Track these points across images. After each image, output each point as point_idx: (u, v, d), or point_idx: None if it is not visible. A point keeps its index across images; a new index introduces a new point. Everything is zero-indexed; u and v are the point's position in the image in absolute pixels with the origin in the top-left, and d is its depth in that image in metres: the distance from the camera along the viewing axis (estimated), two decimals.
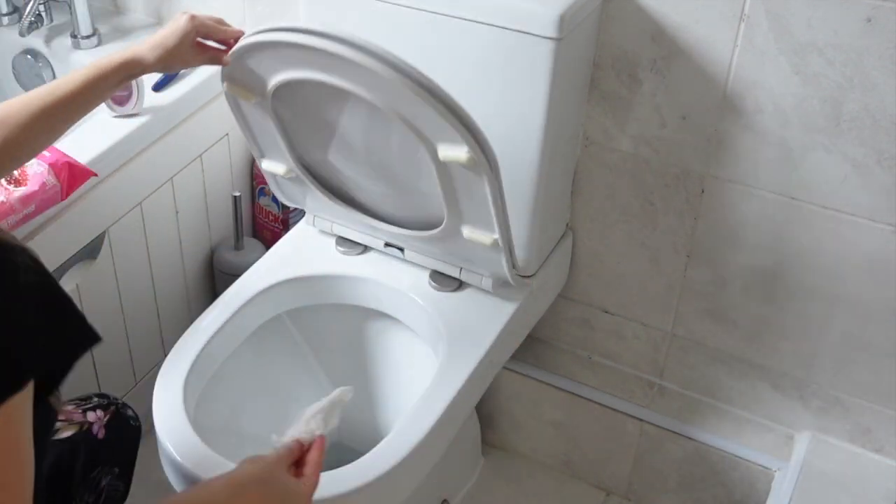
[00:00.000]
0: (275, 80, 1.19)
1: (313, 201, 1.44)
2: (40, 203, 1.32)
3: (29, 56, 1.68)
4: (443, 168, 1.18)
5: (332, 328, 1.48)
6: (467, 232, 1.28)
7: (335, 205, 1.40)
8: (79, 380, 1.52)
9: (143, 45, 1.15)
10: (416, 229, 1.36)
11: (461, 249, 1.34)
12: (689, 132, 1.34)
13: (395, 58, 1.07)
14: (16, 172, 1.30)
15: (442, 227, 1.30)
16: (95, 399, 1.16)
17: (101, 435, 1.13)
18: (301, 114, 1.26)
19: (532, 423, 1.71)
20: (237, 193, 1.68)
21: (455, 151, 1.14)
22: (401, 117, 1.13)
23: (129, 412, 1.19)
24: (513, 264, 1.32)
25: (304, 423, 1.02)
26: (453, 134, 1.11)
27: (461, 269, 1.39)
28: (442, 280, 1.41)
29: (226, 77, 1.23)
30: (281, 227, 1.76)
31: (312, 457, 0.98)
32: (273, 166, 1.38)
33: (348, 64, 1.08)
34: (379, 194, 1.36)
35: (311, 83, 1.17)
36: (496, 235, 1.26)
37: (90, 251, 1.45)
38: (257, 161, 1.40)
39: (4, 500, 0.71)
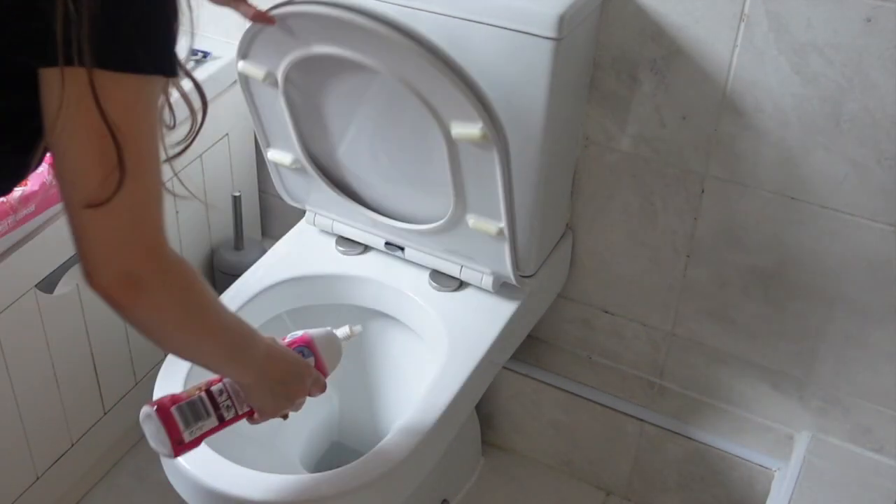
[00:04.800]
0: (289, 58, 1.21)
1: (316, 195, 1.44)
2: (40, 203, 1.32)
3: None
4: (454, 149, 1.20)
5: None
6: (472, 221, 1.29)
7: (338, 198, 1.40)
8: (78, 379, 1.52)
9: None
10: (420, 223, 1.36)
11: (464, 244, 1.34)
12: (689, 132, 1.34)
13: (413, 28, 1.09)
14: None
15: (447, 217, 1.30)
16: None
17: None
18: (312, 97, 1.28)
19: (532, 423, 1.71)
20: (237, 193, 1.68)
21: (468, 129, 1.16)
22: (416, 93, 1.15)
23: None
24: (516, 260, 1.32)
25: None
26: (467, 110, 1.13)
27: (462, 267, 1.39)
28: (442, 280, 1.41)
29: (240, 55, 1.25)
30: None
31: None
32: (279, 156, 1.39)
33: (366, 34, 1.10)
34: (384, 186, 1.37)
35: (326, 61, 1.18)
36: (502, 224, 1.27)
37: None
38: (263, 151, 1.41)
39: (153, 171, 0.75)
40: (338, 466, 1.17)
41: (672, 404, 1.59)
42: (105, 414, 1.60)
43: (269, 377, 1.01)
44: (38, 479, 1.50)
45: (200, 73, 1.58)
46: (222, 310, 0.92)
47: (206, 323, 0.89)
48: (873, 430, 1.45)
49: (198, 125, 0.85)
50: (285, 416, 1.08)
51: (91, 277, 0.78)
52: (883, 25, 1.15)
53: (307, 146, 1.36)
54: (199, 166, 1.62)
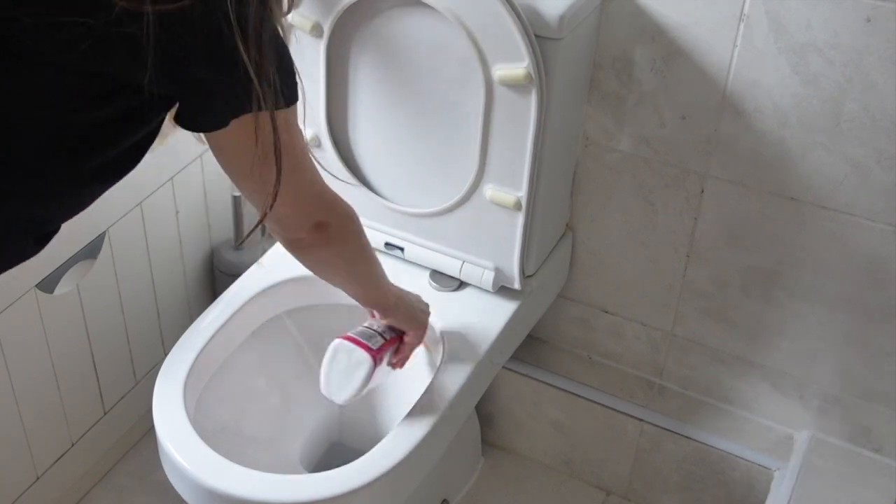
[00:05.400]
0: (341, 4, 1.25)
1: (325, 180, 1.44)
2: None
3: None
4: (490, 99, 1.23)
5: (332, 328, 1.48)
6: (491, 192, 1.30)
7: (348, 182, 1.40)
8: (78, 378, 1.52)
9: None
10: (430, 208, 1.37)
11: (474, 226, 1.35)
12: (689, 132, 1.34)
13: None
14: None
15: (465, 189, 1.31)
16: None
17: None
18: (350, 55, 1.31)
19: (532, 423, 1.71)
20: (237, 193, 1.68)
21: (512, 69, 1.19)
22: (466, 31, 1.19)
23: None
24: (527, 240, 1.33)
25: None
26: (515, 47, 1.17)
27: (462, 263, 1.39)
28: (442, 280, 1.41)
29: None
30: None
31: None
32: None
33: None
34: (401, 166, 1.38)
35: (376, 6, 1.24)
36: (521, 193, 1.28)
37: (90, 251, 1.45)
38: None
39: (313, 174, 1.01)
40: (338, 466, 1.17)
41: (672, 404, 1.59)
42: (105, 414, 1.60)
43: (406, 300, 1.26)
44: (38, 479, 1.50)
45: None
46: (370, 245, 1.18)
47: (367, 254, 1.16)
48: (873, 430, 1.45)
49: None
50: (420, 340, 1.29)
51: (290, 233, 1.04)
52: (883, 25, 1.15)
53: (331, 116, 1.37)
54: (200, 166, 1.62)
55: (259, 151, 0.89)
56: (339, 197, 1.07)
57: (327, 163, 1.42)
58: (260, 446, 1.38)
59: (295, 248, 1.07)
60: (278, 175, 0.91)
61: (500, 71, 1.20)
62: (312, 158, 1.01)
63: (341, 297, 1.44)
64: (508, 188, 1.29)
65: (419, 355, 1.41)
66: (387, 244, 1.44)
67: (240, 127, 0.87)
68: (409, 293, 1.29)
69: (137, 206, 1.52)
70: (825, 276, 1.36)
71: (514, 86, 1.21)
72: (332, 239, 1.07)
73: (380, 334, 1.25)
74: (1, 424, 1.40)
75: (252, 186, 0.96)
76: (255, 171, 0.92)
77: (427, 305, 1.31)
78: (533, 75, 1.18)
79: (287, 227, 1.04)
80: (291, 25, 1.31)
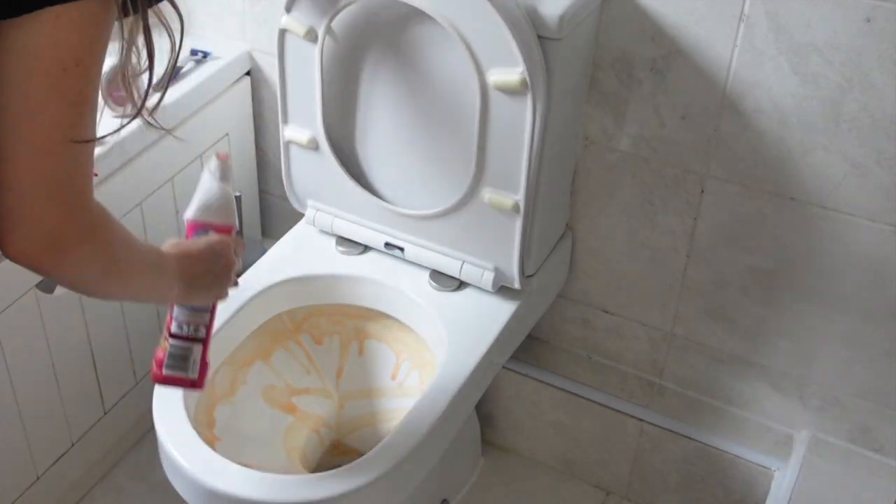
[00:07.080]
0: (335, 9, 1.26)
1: (324, 182, 1.44)
2: None
3: None
4: (486, 105, 1.23)
5: (332, 328, 1.48)
6: (489, 195, 1.30)
7: (347, 184, 1.40)
8: (78, 379, 1.52)
9: None
10: (429, 209, 1.38)
11: (473, 228, 1.35)
12: (689, 132, 1.34)
13: None
14: None
15: (463, 192, 1.32)
16: None
17: None
18: (345, 58, 1.31)
19: (532, 423, 1.71)
20: (237, 193, 1.68)
21: (507, 75, 1.19)
22: (460, 36, 1.19)
23: None
24: (526, 241, 1.33)
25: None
26: (510, 51, 1.17)
27: (462, 263, 1.39)
28: (442, 280, 1.42)
29: (286, 9, 1.29)
30: None
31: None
32: (296, 133, 1.40)
33: None
34: (398, 168, 1.38)
35: (369, 12, 1.24)
36: (519, 196, 1.28)
37: None
38: (280, 130, 1.43)
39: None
40: (338, 466, 1.17)
41: (672, 404, 1.59)
42: (105, 414, 1.60)
43: (193, 276, 1.00)
44: (38, 479, 1.50)
45: (200, 73, 1.58)
46: (136, 244, 0.89)
47: (129, 265, 0.87)
48: (873, 430, 1.45)
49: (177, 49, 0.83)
50: (236, 284, 1.09)
51: (33, 228, 0.74)
52: (882, 25, 1.15)
53: (327, 119, 1.38)
54: (199, 166, 1.62)
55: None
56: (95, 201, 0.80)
57: (326, 165, 1.42)
58: (260, 446, 1.38)
59: (33, 269, 0.78)
60: (151, 78, 0.69)
61: (495, 76, 1.20)
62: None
63: (342, 296, 1.45)
64: (506, 191, 1.29)
65: (418, 355, 1.41)
66: (387, 244, 1.44)
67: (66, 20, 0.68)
68: (194, 244, 1.02)
69: (137, 206, 1.52)
70: (825, 277, 1.36)
71: (510, 91, 1.21)
72: (94, 234, 0.79)
73: (191, 341, 1.08)
74: (1, 424, 1.40)
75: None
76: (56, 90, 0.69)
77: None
78: (528, 81, 1.18)
79: (30, 219, 0.74)
80: (286, 31, 1.30)
